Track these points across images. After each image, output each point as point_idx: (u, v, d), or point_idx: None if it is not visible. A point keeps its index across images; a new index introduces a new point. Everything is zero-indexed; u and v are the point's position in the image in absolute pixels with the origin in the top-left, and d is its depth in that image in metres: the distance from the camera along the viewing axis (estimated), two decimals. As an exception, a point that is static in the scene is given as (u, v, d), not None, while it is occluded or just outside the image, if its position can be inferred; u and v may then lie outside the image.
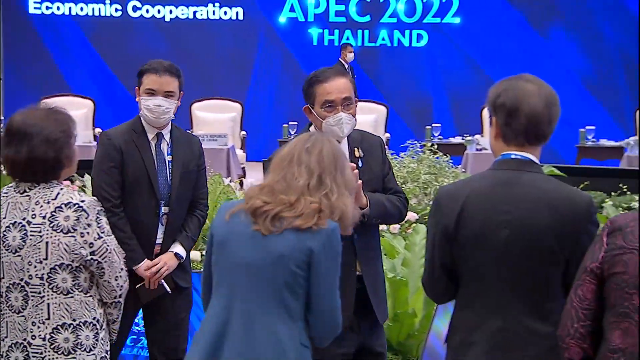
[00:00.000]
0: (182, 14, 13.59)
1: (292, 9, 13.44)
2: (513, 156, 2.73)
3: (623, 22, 12.67)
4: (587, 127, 10.44)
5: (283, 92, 13.42)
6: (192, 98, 11.18)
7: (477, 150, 9.78)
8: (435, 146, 7.84)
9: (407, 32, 13.33)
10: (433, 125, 10.64)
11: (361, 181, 3.23)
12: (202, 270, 3.01)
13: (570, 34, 12.90)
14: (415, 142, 7.87)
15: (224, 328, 2.82)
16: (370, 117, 11.45)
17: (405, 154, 7.57)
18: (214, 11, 13.54)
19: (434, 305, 4.22)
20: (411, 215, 6.22)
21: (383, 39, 13.39)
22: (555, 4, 12.97)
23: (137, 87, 3.91)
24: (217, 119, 11.31)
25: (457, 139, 10.46)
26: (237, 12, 13.47)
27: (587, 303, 2.49)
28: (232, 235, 2.84)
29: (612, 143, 10.48)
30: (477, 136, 10.18)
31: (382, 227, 5.80)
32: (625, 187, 6.78)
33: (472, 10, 13.07)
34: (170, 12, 13.55)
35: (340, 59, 12.55)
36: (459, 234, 2.66)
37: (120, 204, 3.79)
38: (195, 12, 13.57)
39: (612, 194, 6.85)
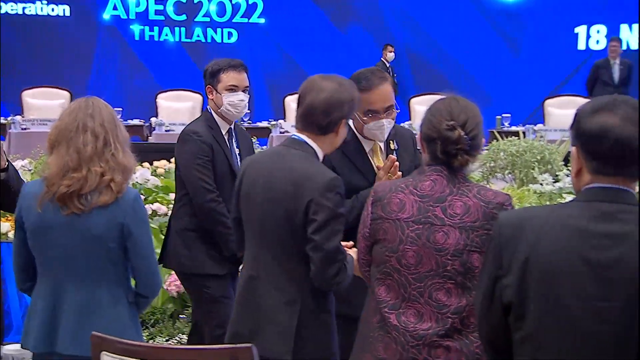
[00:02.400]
0: (12, 10, 12.81)
1: (115, 8, 12.99)
2: (295, 137, 2.79)
3: (407, 23, 13.00)
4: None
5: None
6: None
7: (280, 133, 9.85)
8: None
9: (218, 30, 13.21)
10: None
11: (400, 172, 3.06)
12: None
13: (365, 31, 13.13)
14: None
15: (56, 305, 2.74)
16: (188, 104, 11.34)
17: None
18: (42, 7, 12.87)
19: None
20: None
21: (198, 36, 13.20)
22: (353, 4, 13.15)
23: (209, 86, 3.70)
24: (46, 105, 10.84)
25: (264, 123, 10.49)
26: (64, 9, 12.86)
27: (362, 255, 2.62)
28: (46, 224, 2.72)
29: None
30: (281, 121, 10.25)
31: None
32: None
33: (277, 10, 13.08)
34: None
35: (382, 59, 12.18)
36: None
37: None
38: (24, 9, 12.83)
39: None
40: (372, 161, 3.25)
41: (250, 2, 13.10)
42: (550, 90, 11.93)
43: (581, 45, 12.56)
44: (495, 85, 12.49)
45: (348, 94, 2.78)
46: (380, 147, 3.28)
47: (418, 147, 3.30)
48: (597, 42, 12.45)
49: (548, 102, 11.09)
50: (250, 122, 10.32)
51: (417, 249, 2.42)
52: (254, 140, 7.37)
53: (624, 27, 12.32)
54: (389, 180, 2.57)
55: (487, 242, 2.33)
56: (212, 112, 3.73)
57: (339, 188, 2.71)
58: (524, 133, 8.68)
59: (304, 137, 2.79)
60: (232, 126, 3.77)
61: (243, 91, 3.70)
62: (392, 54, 12.11)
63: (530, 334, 1.93)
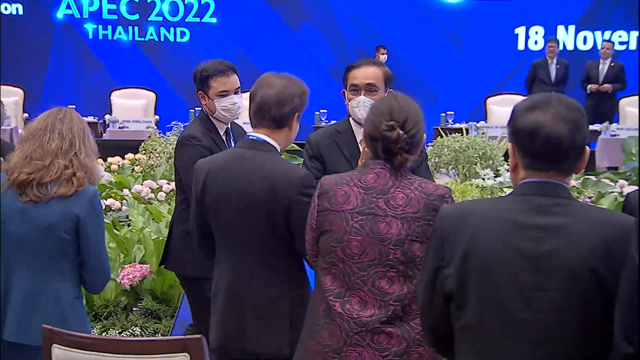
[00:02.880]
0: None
1: (68, 7, 12.78)
2: (253, 137, 2.79)
3: (357, 23, 13.02)
4: (321, 110, 10.73)
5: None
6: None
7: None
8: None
9: (171, 29, 13.09)
10: (196, 109, 10.58)
11: None
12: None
13: (317, 31, 13.11)
14: (179, 122, 7.81)
15: (6, 292, 2.71)
16: (142, 101, 11.26)
17: (170, 133, 7.53)
18: (-6, 6, 12.61)
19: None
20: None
21: (151, 35, 13.06)
22: (304, 5, 13.13)
23: (200, 92, 3.59)
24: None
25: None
26: (17, 8, 12.61)
27: (310, 246, 2.61)
28: (2, 210, 2.71)
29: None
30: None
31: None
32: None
33: (230, 10, 12.99)
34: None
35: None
36: None
37: None
38: (-23, 7, 12.56)
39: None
40: (360, 149, 3.22)
41: (202, 2, 13.00)
42: (492, 89, 12.07)
43: (521, 46, 12.70)
44: (441, 83, 12.60)
45: (298, 88, 2.79)
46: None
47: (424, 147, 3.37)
48: (536, 42, 12.57)
49: (490, 100, 11.23)
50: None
51: (361, 239, 2.43)
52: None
53: (560, 28, 12.50)
54: (335, 174, 2.57)
55: (427, 232, 2.36)
56: (207, 113, 3.66)
57: (312, 182, 2.72)
58: (467, 130, 8.80)
59: (261, 135, 2.78)
60: (229, 125, 3.72)
61: (235, 93, 3.61)
62: (385, 56, 12.00)
63: (470, 323, 1.95)
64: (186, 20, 13.06)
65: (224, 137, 3.67)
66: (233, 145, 3.67)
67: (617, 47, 12.10)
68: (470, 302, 1.94)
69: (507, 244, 1.90)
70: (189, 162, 3.46)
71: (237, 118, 3.71)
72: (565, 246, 1.87)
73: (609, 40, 11.55)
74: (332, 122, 10.56)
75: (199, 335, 2.29)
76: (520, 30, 12.66)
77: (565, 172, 1.95)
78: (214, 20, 13.08)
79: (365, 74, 3.29)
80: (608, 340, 1.79)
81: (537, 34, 12.60)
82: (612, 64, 10.94)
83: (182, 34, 13.10)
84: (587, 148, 1.98)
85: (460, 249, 1.95)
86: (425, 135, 2.57)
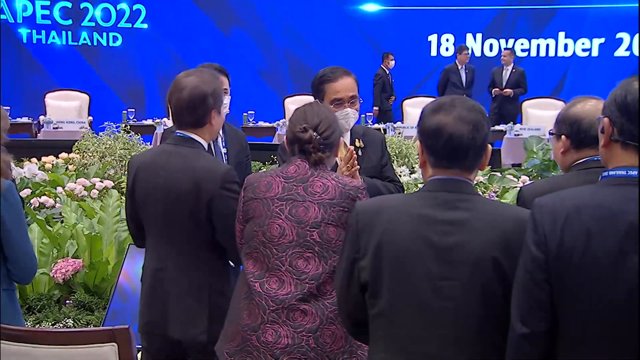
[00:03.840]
0: None
1: (2, 12, 12.39)
2: (179, 134, 2.78)
3: (285, 28, 13.05)
4: (249, 112, 10.68)
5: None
6: None
7: (164, 129, 9.67)
8: (129, 127, 7.70)
9: (104, 34, 12.84)
10: (128, 109, 10.42)
11: (359, 166, 2.97)
12: None
13: (247, 35, 13.10)
14: (112, 123, 7.65)
15: None
16: (76, 103, 10.99)
17: (103, 133, 7.37)
18: None
19: (124, 254, 4.12)
20: (108, 183, 6.06)
21: (85, 39, 12.79)
22: (235, 10, 13.10)
23: None
24: None
25: (149, 121, 10.27)
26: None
27: (239, 239, 2.63)
28: None
29: (267, 124, 10.77)
30: (165, 119, 10.06)
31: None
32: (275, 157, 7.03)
33: (162, 15, 12.84)
34: None
35: (382, 66, 11.84)
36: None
37: None
38: None
39: (266, 163, 7.12)
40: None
41: (134, 9, 12.80)
42: (409, 92, 12.23)
43: (433, 52, 12.94)
44: (364, 86, 12.67)
45: (209, 86, 2.76)
46: (344, 141, 3.21)
47: (387, 149, 3.36)
48: (447, 49, 12.85)
49: (406, 102, 11.38)
50: (135, 120, 10.11)
51: (280, 221, 2.47)
52: (138, 137, 7.31)
53: (469, 36, 12.77)
54: (261, 171, 2.62)
55: (342, 218, 2.44)
56: None
57: (234, 177, 2.74)
58: (384, 130, 8.88)
59: (187, 132, 2.78)
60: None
61: (224, 93, 3.46)
62: (393, 62, 11.98)
63: (383, 311, 1.97)
64: (118, 25, 12.85)
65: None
66: (221, 146, 3.62)
67: (520, 54, 12.43)
68: (383, 291, 1.96)
69: (418, 236, 1.93)
70: None
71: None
72: (468, 238, 1.90)
73: (508, 48, 11.84)
74: (260, 122, 10.63)
75: (126, 326, 2.25)
76: (433, 38, 12.87)
77: (468, 169, 1.98)
78: (145, 25, 12.90)
79: (346, 86, 3.20)
80: (507, 322, 1.83)
81: (447, 41, 12.83)
82: (513, 70, 11.25)
83: (115, 38, 12.89)
84: (489, 146, 2.02)
85: (374, 241, 1.97)
86: (340, 136, 2.65)
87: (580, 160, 2.43)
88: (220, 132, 3.60)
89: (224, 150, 3.63)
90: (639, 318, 1.68)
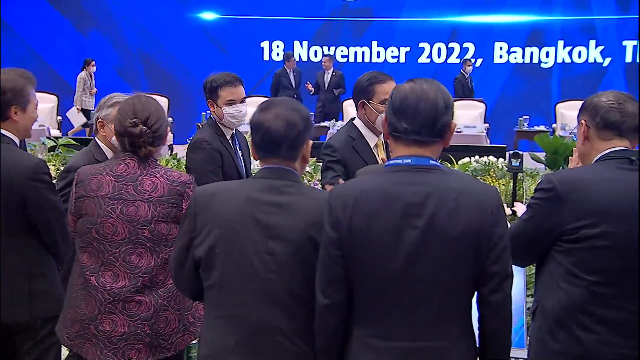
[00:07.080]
0: None
1: None
2: None
3: (138, 29, 12.89)
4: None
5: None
6: None
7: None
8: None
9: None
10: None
11: None
12: None
13: (103, 36, 12.96)
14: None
15: None
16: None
17: None
18: None
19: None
20: None
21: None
22: (91, 13, 12.96)
23: (209, 100, 3.44)
24: None
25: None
26: None
27: (72, 229, 2.56)
28: None
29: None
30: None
31: None
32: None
33: (24, 16, 12.52)
34: None
35: (461, 71, 11.85)
36: None
37: None
38: None
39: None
40: (376, 155, 3.13)
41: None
42: (248, 92, 12.27)
43: (266, 57, 13.15)
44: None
45: (8, 84, 2.64)
46: (382, 142, 3.16)
47: None
48: (278, 54, 13.08)
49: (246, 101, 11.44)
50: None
51: (112, 220, 2.42)
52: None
53: (297, 44, 13.08)
54: (90, 165, 2.56)
55: (172, 213, 2.43)
56: (216, 120, 3.48)
57: (44, 169, 2.64)
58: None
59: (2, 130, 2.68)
60: (234, 131, 3.54)
61: (241, 102, 3.47)
62: (471, 67, 12.10)
63: (216, 282, 2.04)
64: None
65: (230, 142, 3.53)
66: (238, 149, 3.55)
67: (341, 60, 13.05)
68: (216, 265, 2.03)
69: (247, 216, 2.00)
70: (201, 164, 3.39)
71: (243, 124, 3.54)
72: (289, 219, 1.99)
73: (328, 55, 12.31)
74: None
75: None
76: (265, 44, 13.07)
77: (288, 160, 2.06)
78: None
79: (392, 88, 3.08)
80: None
81: (278, 47, 13.05)
82: (334, 73, 11.74)
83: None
84: (310, 141, 2.10)
85: (209, 221, 2.03)
86: (168, 130, 2.58)
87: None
88: (235, 137, 3.57)
89: (240, 154, 3.59)
90: (411, 283, 1.86)
